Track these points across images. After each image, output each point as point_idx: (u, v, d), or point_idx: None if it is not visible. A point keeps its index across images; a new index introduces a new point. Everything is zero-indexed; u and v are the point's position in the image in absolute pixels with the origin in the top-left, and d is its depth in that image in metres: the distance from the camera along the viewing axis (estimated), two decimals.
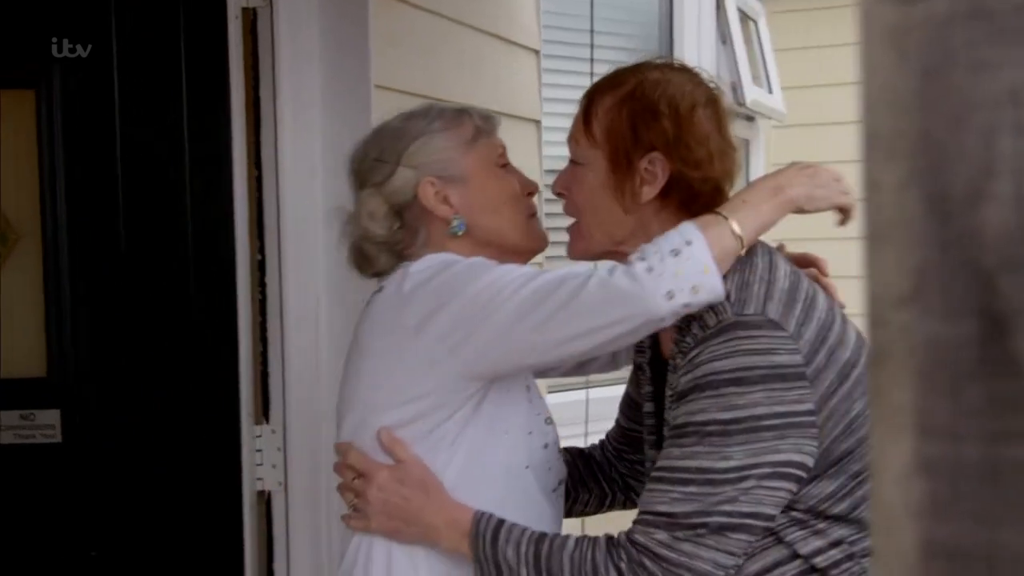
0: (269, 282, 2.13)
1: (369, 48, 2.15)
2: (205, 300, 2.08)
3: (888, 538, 0.44)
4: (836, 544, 1.41)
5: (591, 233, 1.54)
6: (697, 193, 1.51)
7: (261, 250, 2.13)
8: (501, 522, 1.45)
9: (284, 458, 2.14)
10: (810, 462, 1.37)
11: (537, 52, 3.08)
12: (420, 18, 2.45)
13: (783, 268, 1.46)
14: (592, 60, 2.89)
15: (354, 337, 1.61)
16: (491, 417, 1.49)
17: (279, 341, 2.13)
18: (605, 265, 1.45)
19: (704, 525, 1.36)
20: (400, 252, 1.61)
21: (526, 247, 1.64)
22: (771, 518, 1.38)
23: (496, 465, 1.50)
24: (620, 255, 1.48)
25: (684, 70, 1.58)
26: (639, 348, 1.65)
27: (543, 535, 1.44)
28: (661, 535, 1.37)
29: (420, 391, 1.48)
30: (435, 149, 1.61)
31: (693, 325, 1.42)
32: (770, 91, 4.19)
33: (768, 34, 4.40)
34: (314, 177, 2.13)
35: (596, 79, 1.62)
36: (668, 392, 1.48)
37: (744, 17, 3.99)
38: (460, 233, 1.58)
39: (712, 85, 1.58)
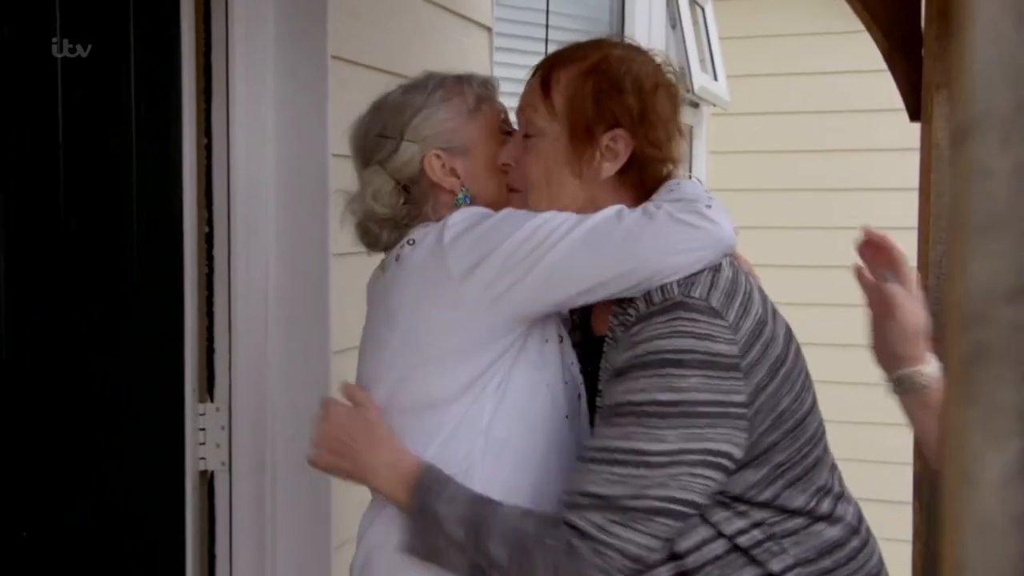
0: (217, 255, 2.06)
1: (327, 17, 2.08)
2: (149, 273, 2.00)
3: (984, 549, 0.41)
4: (757, 525, 1.43)
5: (538, 206, 1.51)
6: (652, 173, 1.52)
7: (209, 222, 2.05)
8: (447, 477, 1.46)
9: (229, 437, 2.07)
10: (739, 453, 1.39)
11: (489, 29, 3.03)
12: None
13: (727, 270, 1.46)
14: (547, 41, 2.85)
15: (375, 309, 1.59)
16: (531, 367, 1.49)
17: (226, 316, 2.06)
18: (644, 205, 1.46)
19: (636, 509, 1.37)
20: (405, 227, 1.58)
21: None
22: (697, 506, 1.40)
23: (539, 415, 1.50)
24: None
25: (642, 51, 1.58)
26: (572, 325, 1.64)
27: (483, 498, 1.44)
28: (595, 516, 1.38)
29: (464, 340, 1.46)
30: (438, 121, 1.59)
31: (636, 300, 1.42)
32: (715, 78, 4.19)
33: (714, 21, 4.40)
34: (266, 147, 2.06)
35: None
36: (603, 368, 1.47)
37: (692, 3, 3.98)
38: (466, 204, 1.57)
39: (668, 69, 1.58)
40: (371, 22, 2.37)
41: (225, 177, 2.04)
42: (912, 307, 1.45)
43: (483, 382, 1.47)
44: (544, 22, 3.04)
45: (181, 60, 2.00)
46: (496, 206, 1.54)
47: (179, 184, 2.00)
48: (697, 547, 1.42)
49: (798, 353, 1.49)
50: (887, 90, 5.54)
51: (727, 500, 1.42)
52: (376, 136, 1.61)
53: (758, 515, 1.43)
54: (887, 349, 1.47)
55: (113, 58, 1.95)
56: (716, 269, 1.43)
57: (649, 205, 1.46)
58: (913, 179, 5.83)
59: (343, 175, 2.20)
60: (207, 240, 2.05)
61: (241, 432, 2.07)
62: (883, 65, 5.87)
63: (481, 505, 1.43)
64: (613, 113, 1.49)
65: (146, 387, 2.01)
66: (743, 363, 1.38)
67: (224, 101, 2.03)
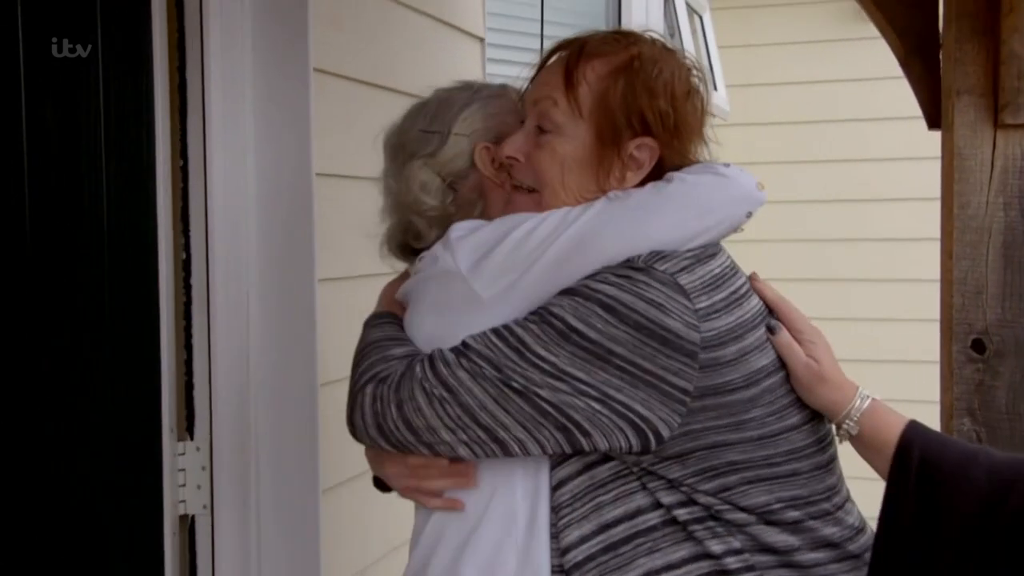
0: (195, 283, 1.93)
1: (308, 28, 1.95)
2: (122, 302, 1.86)
3: None
4: (700, 505, 1.34)
5: (553, 207, 1.40)
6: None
7: (186, 247, 1.92)
8: (391, 322, 1.47)
9: (210, 478, 1.94)
10: (664, 430, 1.29)
11: (482, 40, 2.91)
12: (367, 1, 2.26)
13: (722, 260, 1.38)
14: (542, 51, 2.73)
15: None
16: None
17: (205, 348, 1.93)
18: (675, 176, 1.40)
19: (494, 369, 1.30)
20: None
21: None
22: (583, 430, 1.29)
23: None
24: None
25: (671, 51, 1.44)
26: None
27: (393, 339, 1.43)
28: (449, 356, 1.34)
29: None
30: (489, 114, 1.51)
31: None
32: (715, 87, 4.08)
33: (712, 30, 4.30)
34: (246, 167, 1.93)
35: (565, 38, 1.47)
36: None
37: (690, 11, 3.87)
38: None
39: (696, 74, 1.45)
40: (356, 33, 2.25)
41: (202, 199, 1.91)
42: (800, 356, 1.37)
43: None
44: (538, 32, 2.93)
45: (153, 76, 1.87)
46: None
47: (153, 208, 1.87)
48: (630, 515, 1.34)
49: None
50: (888, 98, 5.45)
51: (665, 480, 1.33)
52: (421, 131, 1.52)
53: (703, 499, 1.34)
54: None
55: (80, 73, 1.82)
56: (700, 260, 1.34)
57: (660, 181, 1.40)
58: (917, 189, 5.73)
59: (328, 195, 2.08)
60: (184, 267, 1.92)
61: (223, 472, 1.94)
62: (884, 73, 5.76)
63: (379, 343, 1.44)
64: (643, 119, 1.38)
65: (119, 425, 1.87)
66: (703, 355, 1.29)
67: (200, 119, 1.90)
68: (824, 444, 1.41)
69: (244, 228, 1.93)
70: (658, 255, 1.33)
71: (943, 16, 1.94)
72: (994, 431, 1.88)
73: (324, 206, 2.01)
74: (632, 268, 1.31)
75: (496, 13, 3.04)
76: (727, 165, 1.40)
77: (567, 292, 1.32)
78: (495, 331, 1.33)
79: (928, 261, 5.12)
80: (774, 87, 5.14)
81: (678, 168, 1.41)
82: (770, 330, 1.37)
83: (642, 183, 1.40)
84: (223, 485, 1.94)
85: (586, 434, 1.30)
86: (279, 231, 1.95)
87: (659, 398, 1.29)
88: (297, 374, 1.98)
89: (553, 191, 1.40)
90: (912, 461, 1.32)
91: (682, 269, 1.33)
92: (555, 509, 1.36)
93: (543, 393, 1.29)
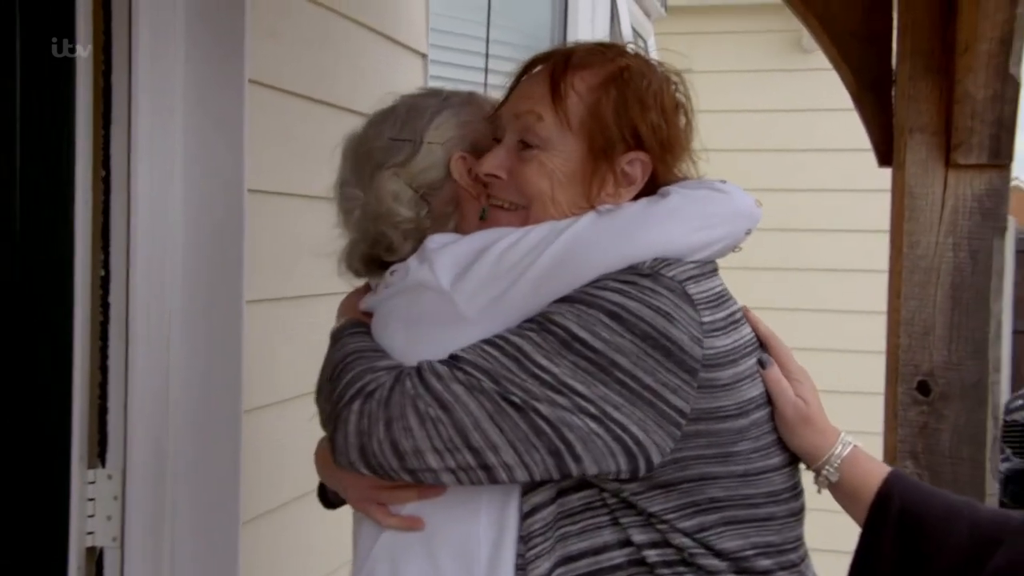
0: (113, 302, 1.81)
1: (245, 37, 1.86)
2: (34, 321, 1.75)
3: None
4: (674, 547, 1.27)
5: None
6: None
7: (105, 264, 1.81)
8: (365, 333, 1.35)
9: (122, 509, 1.82)
10: (656, 456, 1.22)
11: (424, 56, 2.84)
12: (302, 8, 2.17)
13: (720, 281, 1.32)
14: (487, 70, 2.67)
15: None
16: None
17: (122, 371, 1.82)
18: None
19: (499, 395, 1.20)
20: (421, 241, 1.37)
21: None
22: (575, 454, 1.20)
23: None
24: None
25: (653, 64, 1.37)
26: None
27: (376, 351, 1.32)
28: (442, 368, 1.23)
29: None
30: (461, 123, 1.41)
31: None
32: None
33: (656, 55, 4.29)
34: (173, 180, 1.83)
35: (536, 54, 1.39)
36: None
37: (636, 34, 3.84)
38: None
39: (682, 88, 1.38)
40: (293, 44, 2.16)
41: (125, 214, 1.80)
42: (789, 394, 1.32)
43: None
44: (482, 50, 2.86)
45: (76, 81, 1.76)
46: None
47: (71, 221, 1.76)
48: (595, 551, 1.26)
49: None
50: (828, 129, 5.48)
51: (644, 514, 1.26)
52: (390, 139, 1.41)
53: (677, 539, 1.26)
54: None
55: None
56: (705, 274, 1.29)
57: (658, 193, 1.33)
58: (854, 221, 5.75)
59: (260, 212, 1.99)
60: (103, 285, 1.81)
61: (137, 503, 1.82)
62: (823, 104, 5.79)
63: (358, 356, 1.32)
64: (636, 132, 1.31)
65: (24, 450, 1.75)
66: (702, 374, 1.23)
67: (126, 128, 1.80)
68: (798, 492, 1.36)
69: (169, 245, 1.83)
70: (664, 261, 1.26)
71: (897, 53, 1.92)
72: (937, 475, 1.85)
73: (254, 223, 1.92)
74: (637, 274, 1.24)
75: (439, 29, 2.97)
76: (723, 182, 1.35)
77: (567, 300, 1.23)
78: (488, 342, 1.23)
79: (862, 293, 5.18)
80: (715, 114, 5.14)
81: (669, 184, 1.35)
82: (761, 364, 1.31)
83: (634, 200, 1.33)
84: (136, 516, 1.83)
85: (578, 459, 1.21)
86: (206, 249, 1.85)
87: (656, 419, 1.21)
88: (220, 400, 1.87)
89: (542, 206, 1.32)
90: (892, 512, 1.27)
91: (690, 278, 1.26)
92: (524, 539, 1.27)
93: (542, 408, 1.20)
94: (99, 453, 1.83)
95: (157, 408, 1.83)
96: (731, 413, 1.26)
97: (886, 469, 1.34)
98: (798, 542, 1.34)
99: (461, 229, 1.39)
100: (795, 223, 5.30)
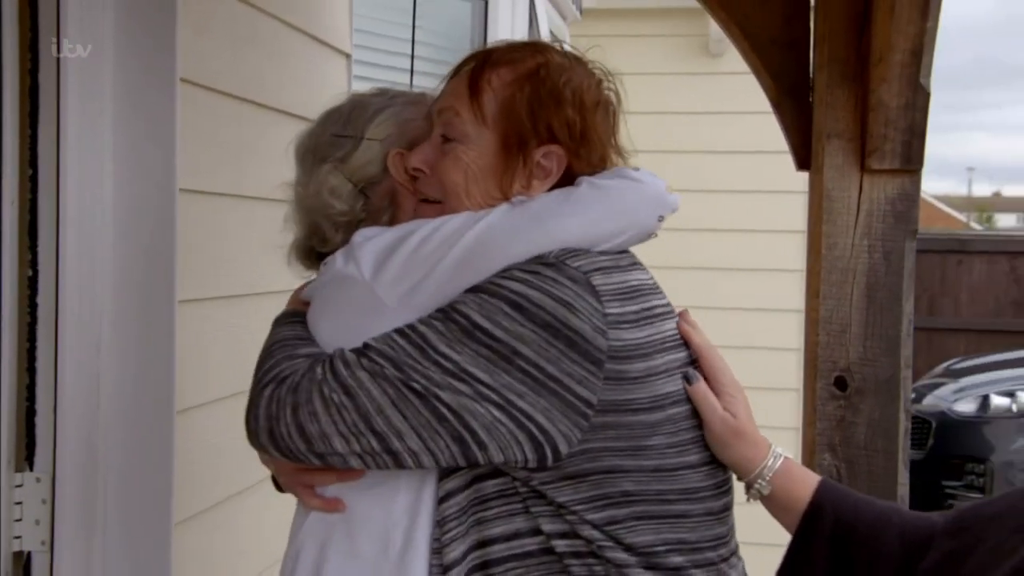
0: (41, 302, 1.78)
1: (176, 34, 1.85)
2: None
3: None
4: (583, 538, 1.29)
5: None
6: None
7: (33, 264, 1.78)
8: (299, 322, 1.38)
9: (51, 512, 1.79)
10: (563, 445, 1.24)
11: (348, 56, 2.84)
12: (230, 6, 2.16)
13: (643, 276, 1.36)
14: (412, 71, 2.69)
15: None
16: None
17: (51, 373, 1.78)
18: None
19: (395, 369, 1.24)
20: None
21: None
22: (481, 444, 1.24)
23: None
24: None
25: (582, 62, 1.41)
26: None
27: (302, 339, 1.35)
28: (350, 356, 1.27)
29: None
30: (402, 121, 1.45)
31: None
32: None
33: None
34: (103, 179, 1.80)
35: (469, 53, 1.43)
36: None
37: (553, 37, 3.90)
38: None
39: (609, 84, 1.42)
40: (222, 42, 2.15)
41: (53, 213, 1.77)
42: (716, 409, 1.34)
43: None
44: (406, 51, 2.88)
45: (2, 78, 1.73)
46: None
47: None
48: (507, 537, 1.29)
49: (693, 413, 1.36)
50: (736, 131, 5.61)
51: (553, 504, 1.28)
52: (333, 135, 1.46)
53: (586, 531, 1.28)
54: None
55: None
56: (620, 267, 1.32)
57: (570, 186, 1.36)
58: (760, 221, 5.87)
59: (192, 212, 1.97)
60: (31, 284, 1.78)
61: (66, 506, 1.79)
62: (732, 107, 5.92)
63: (283, 344, 1.36)
64: (550, 127, 1.34)
65: None
66: (608, 365, 1.25)
67: (54, 126, 1.76)
68: (720, 491, 1.37)
69: (99, 245, 1.80)
70: (571, 252, 1.29)
71: (815, 62, 1.99)
72: (853, 466, 1.93)
73: (184, 223, 1.91)
74: (542, 263, 1.27)
75: (363, 30, 2.97)
76: (637, 169, 1.39)
77: (473, 289, 1.27)
78: (398, 330, 1.27)
79: (772, 292, 5.32)
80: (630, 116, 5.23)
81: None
82: (687, 379, 1.34)
83: (548, 191, 1.36)
84: (65, 519, 1.80)
85: (482, 446, 1.24)
86: (138, 248, 1.83)
87: (561, 408, 1.24)
88: (152, 400, 1.86)
89: (457, 199, 1.36)
90: (825, 522, 1.32)
91: (597, 269, 1.29)
92: (440, 523, 1.30)
93: (443, 396, 1.23)
94: (27, 456, 1.80)
95: (87, 410, 1.81)
96: (643, 407, 1.28)
97: (816, 479, 1.37)
98: (718, 540, 1.35)
99: (396, 222, 1.42)
100: (703, 223, 5.42)
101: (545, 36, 3.70)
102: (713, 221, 5.48)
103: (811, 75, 2.01)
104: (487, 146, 1.35)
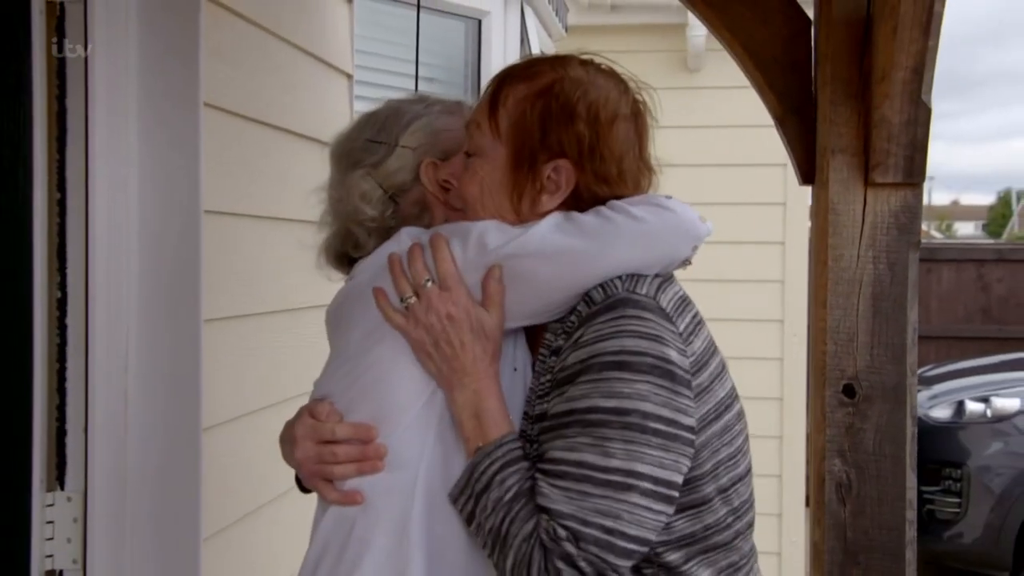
0: (71, 323, 1.81)
1: (199, 59, 1.88)
2: None
3: None
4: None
5: None
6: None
7: (62, 286, 1.81)
8: (518, 458, 1.30)
9: (83, 531, 1.82)
10: (679, 482, 1.28)
11: (350, 76, 2.88)
12: (243, 29, 2.20)
13: (681, 290, 1.39)
14: (417, 90, 2.73)
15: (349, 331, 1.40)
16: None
17: (81, 393, 1.81)
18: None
19: (580, 535, 1.22)
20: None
21: None
22: (648, 547, 1.26)
23: None
24: None
25: (612, 74, 1.43)
26: None
27: (520, 497, 1.27)
28: (549, 541, 1.24)
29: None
30: (436, 130, 1.48)
31: (578, 304, 1.31)
32: None
33: None
34: (130, 202, 1.84)
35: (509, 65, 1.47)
36: (543, 382, 1.33)
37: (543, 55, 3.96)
38: None
39: (639, 97, 1.44)
40: (239, 66, 2.18)
41: (82, 235, 1.80)
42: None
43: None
44: (399, 71, 2.92)
45: (32, 102, 1.76)
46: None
47: (28, 243, 1.76)
48: None
49: (741, 414, 1.40)
50: (715, 145, 5.68)
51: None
52: (367, 140, 1.49)
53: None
54: None
55: None
56: (666, 281, 1.35)
57: (602, 208, 1.35)
58: (742, 233, 5.91)
59: (216, 233, 2.01)
60: (60, 306, 1.81)
61: (97, 525, 1.82)
62: (711, 121, 5.99)
63: (515, 506, 1.27)
64: (560, 141, 1.35)
65: None
66: (694, 382, 1.28)
67: (83, 149, 1.80)
68: (753, 502, 1.41)
69: (127, 266, 1.83)
70: (632, 279, 1.31)
71: (818, 80, 2.05)
72: (862, 471, 1.98)
73: (212, 245, 1.94)
74: (615, 303, 1.28)
75: (364, 51, 3.01)
76: (668, 197, 1.39)
77: (571, 379, 1.27)
78: (554, 474, 1.26)
79: (752, 302, 5.39)
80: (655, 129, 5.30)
81: (597, 196, 1.37)
82: None
83: (563, 205, 1.37)
84: (97, 538, 1.82)
85: (648, 544, 1.27)
86: (164, 270, 1.87)
87: (679, 451, 1.26)
88: (180, 419, 1.88)
89: (475, 212, 1.39)
90: None
91: (658, 290, 1.31)
92: None
93: (629, 531, 1.24)
94: (58, 476, 1.82)
95: (116, 429, 1.83)
96: (712, 417, 1.30)
97: None
98: (750, 555, 1.39)
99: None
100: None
101: (536, 53, 3.76)
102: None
103: (814, 93, 2.07)
104: (500, 160, 1.37)
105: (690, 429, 1.26)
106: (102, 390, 1.82)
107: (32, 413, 1.76)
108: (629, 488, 1.23)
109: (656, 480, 1.24)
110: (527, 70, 1.40)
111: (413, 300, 1.34)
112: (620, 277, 1.30)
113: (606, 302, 1.28)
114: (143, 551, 1.85)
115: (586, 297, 1.30)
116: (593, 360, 1.25)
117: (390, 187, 1.47)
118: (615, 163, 1.38)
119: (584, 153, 1.35)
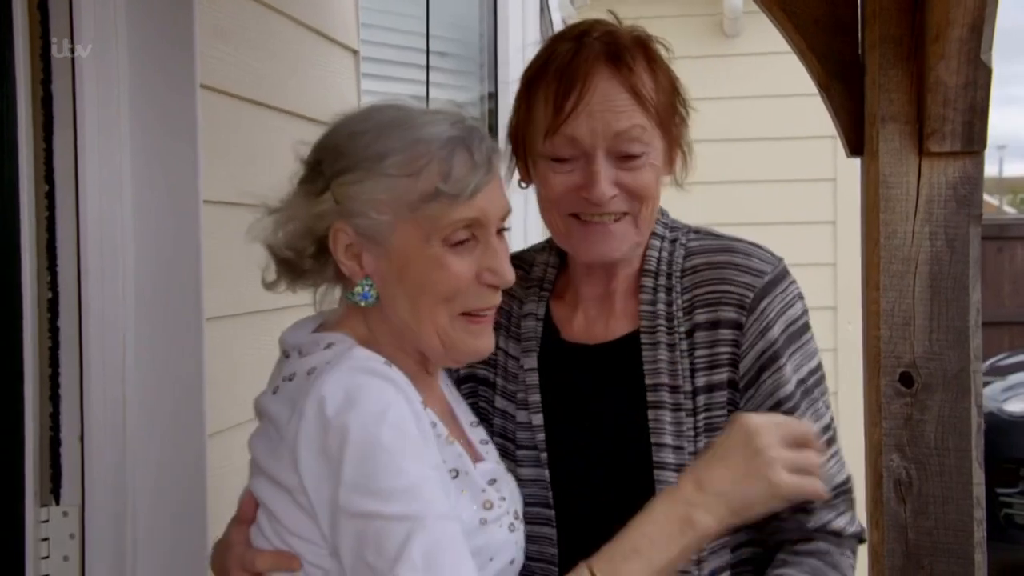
0: (63, 326, 1.83)
1: (194, 38, 1.90)
2: None
3: None
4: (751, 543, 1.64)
5: (644, 227, 1.58)
6: None
7: (53, 286, 1.82)
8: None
9: (80, 548, 1.83)
10: None
11: (356, 53, 2.89)
12: (246, 7, 2.21)
13: None
14: (428, 67, 2.74)
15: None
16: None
17: (76, 401, 1.83)
18: None
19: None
20: (301, 284, 1.40)
21: (441, 357, 1.40)
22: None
23: None
24: None
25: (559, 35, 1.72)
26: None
27: None
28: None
29: None
30: (368, 194, 1.32)
31: (730, 278, 1.60)
32: None
33: None
34: (123, 194, 1.85)
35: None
36: (687, 367, 1.56)
37: (564, 23, 3.95)
38: (364, 304, 1.35)
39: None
40: (239, 45, 2.19)
41: (73, 231, 1.82)
42: None
43: None
44: (413, 45, 2.93)
45: (16, 89, 1.77)
46: (410, 336, 1.37)
47: (15, 240, 1.76)
48: (715, 572, 1.55)
49: None
50: (754, 116, 5.64)
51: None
52: (311, 160, 1.39)
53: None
54: None
55: None
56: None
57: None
58: (786, 212, 5.88)
59: (216, 226, 2.02)
60: (51, 308, 1.82)
61: (95, 541, 1.84)
62: (750, 91, 5.94)
63: None
64: (685, 120, 1.63)
65: None
66: None
67: (71, 139, 1.81)
68: None
69: (121, 263, 1.84)
70: (763, 254, 1.68)
71: (865, 41, 2.04)
72: (924, 467, 1.97)
73: (211, 239, 1.95)
74: (783, 273, 1.65)
75: (370, 24, 3.02)
76: None
77: (782, 352, 1.59)
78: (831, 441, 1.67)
79: (802, 286, 5.36)
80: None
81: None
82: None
83: None
84: (96, 556, 1.84)
85: None
86: (162, 265, 1.88)
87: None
88: (183, 425, 1.90)
89: (653, 203, 1.57)
90: None
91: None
92: None
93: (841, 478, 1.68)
94: (52, 489, 1.84)
95: (114, 438, 1.85)
96: None
97: None
98: None
99: (334, 300, 1.42)
100: (722, 218, 5.46)
101: (557, 23, 3.75)
102: (734, 215, 5.52)
103: (861, 56, 2.06)
104: (659, 146, 1.61)
105: None
106: (98, 396, 1.83)
107: (24, 422, 1.77)
108: (832, 440, 1.64)
109: (830, 423, 1.68)
110: (643, 53, 1.65)
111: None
112: (762, 248, 1.67)
113: (776, 272, 1.62)
114: (147, 569, 1.87)
115: (739, 275, 1.59)
116: (791, 329, 1.60)
117: (313, 229, 1.36)
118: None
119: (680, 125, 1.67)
